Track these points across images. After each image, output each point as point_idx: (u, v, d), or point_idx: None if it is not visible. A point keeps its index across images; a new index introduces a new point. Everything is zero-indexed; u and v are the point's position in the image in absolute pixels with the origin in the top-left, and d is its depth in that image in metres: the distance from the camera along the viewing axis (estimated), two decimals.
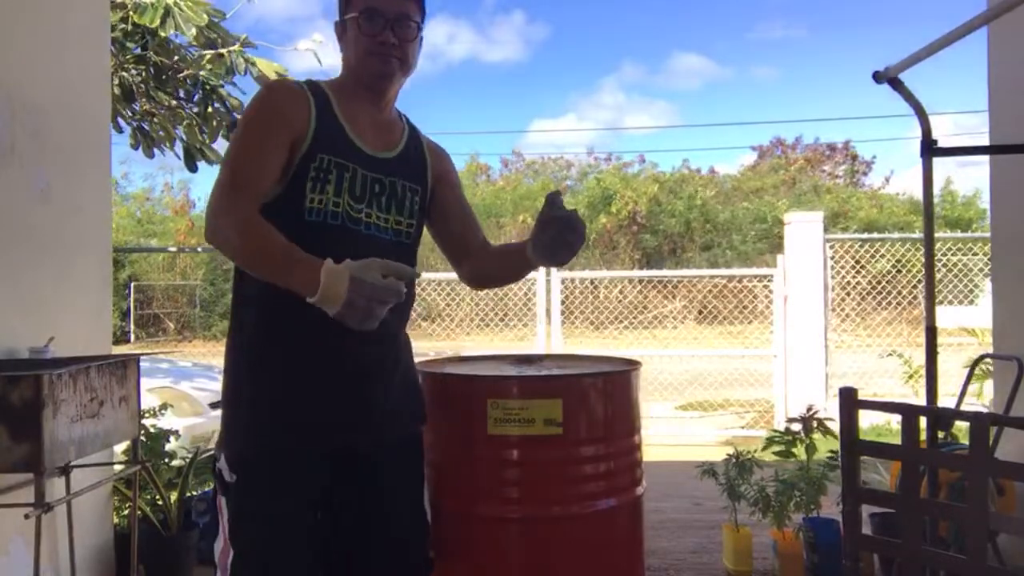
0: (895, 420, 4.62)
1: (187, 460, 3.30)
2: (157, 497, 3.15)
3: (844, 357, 7.49)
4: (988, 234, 3.90)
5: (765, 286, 7.39)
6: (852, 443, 1.96)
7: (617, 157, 24.08)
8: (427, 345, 8.75)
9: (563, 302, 7.23)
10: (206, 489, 3.38)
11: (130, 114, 4.64)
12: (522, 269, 1.81)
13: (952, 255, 7.58)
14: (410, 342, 1.82)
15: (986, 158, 3.44)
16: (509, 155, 25.85)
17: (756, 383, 7.65)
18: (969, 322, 7.04)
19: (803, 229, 6.98)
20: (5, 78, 2.54)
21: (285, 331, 1.60)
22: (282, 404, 1.60)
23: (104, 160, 3.16)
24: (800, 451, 3.30)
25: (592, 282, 9.23)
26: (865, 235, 9.05)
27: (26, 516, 2.15)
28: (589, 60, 43.00)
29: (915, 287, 8.04)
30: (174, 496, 3.16)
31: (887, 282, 8.36)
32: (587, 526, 1.85)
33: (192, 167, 4.86)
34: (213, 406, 4.28)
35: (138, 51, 4.41)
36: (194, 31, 4.09)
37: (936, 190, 2.61)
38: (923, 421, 2.01)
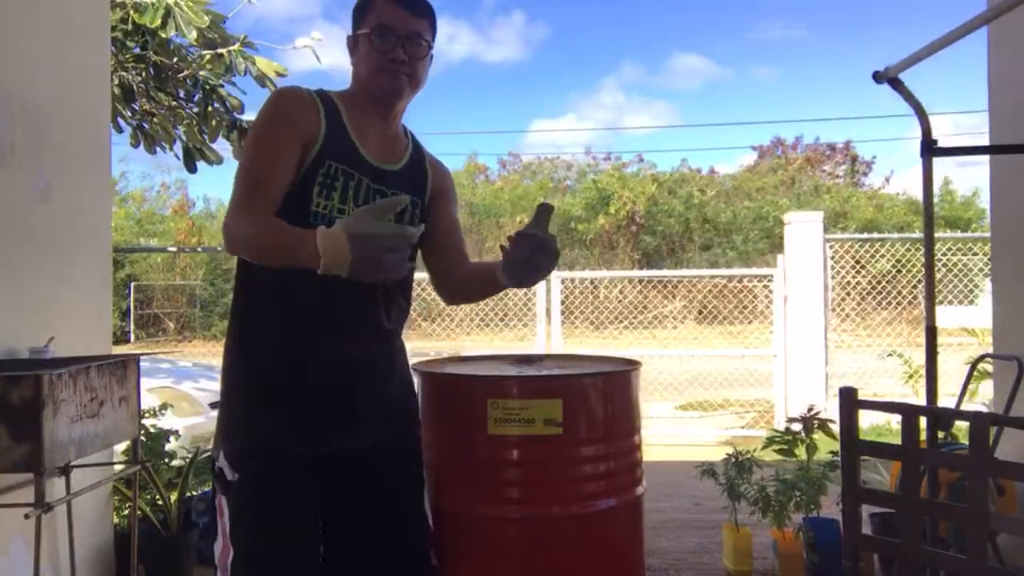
0: (895, 420, 4.62)
1: (187, 460, 3.30)
2: (157, 497, 3.15)
3: (844, 357, 7.49)
4: (988, 234, 3.90)
5: (765, 286, 7.39)
6: (852, 443, 1.96)
7: (616, 157, 24.09)
8: (427, 345, 8.75)
9: (563, 302, 7.23)
10: (206, 489, 3.38)
11: (130, 114, 4.63)
12: (492, 289, 1.80)
13: (952, 255, 7.58)
14: (404, 346, 1.83)
15: (985, 158, 3.44)
16: (507, 156, 25.82)
17: (756, 383, 7.65)
18: (969, 322, 7.05)
19: (803, 229, 6.98)
20: (5, 78, 2.54)
21: (283, 332, 1.62)
22: (280, 404, 1.61)
23: (104, 160, 3.16)
24: (800, 451, 3.30)
25: (592, 282, 9.23)
26: (865, 235, 9.05)
27: (26, 516, 2.15)
28: (589, 60, 43.00)
29: (915, 287, 8.04)
30: (174, 496, 3.16)
31: (887, 282, 8.37)
32: (587, 526, 1.85)
33: (191, 167, 4.84)
34: (213, 406, 4.28)
35: (138, 51, 4.41)
36: (195, 33, 4.09)
37: (935, 190, 2.61)
38: (923, 421, 2.01)
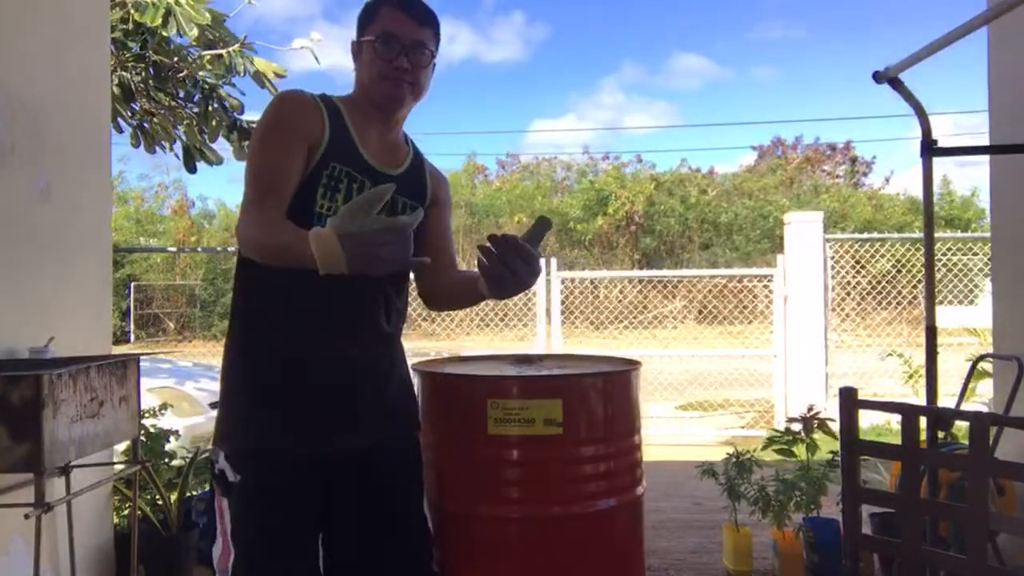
0: (895, 420, 4.62)
1: (187, 460, 3.30)
2: (157, 497, 3.15)
3: (844, 357, 7.50)
4: (988, 234, 3.90)
5: (765, 286, 7.39)
6: (852, 443, 1.96)
7: (615, 157, 24.07)
8: (427, 345, 8.76)
9: (563, 302, 7.23)
10: (206, 489, 3.38)
11: (130, 114, 4.63)
12: (474, 299, 1.81)
13: (952, 255, 7.58)
14: (403, 348, 1.83)
15: (985, 158, 3.44)
16: (505, 156, 25.77)
17: (756, 383, 7.65)
18: (969, 322, 7.05)
19: (803, 229, 6.98)
20: (5, 78, 2.54)
21: (283, 332, 1.62)
22: (280, 404, 1.61)
23: (104, 160, 3.16)
24: (800, 451, 3.30)
25: (592, 282, 9.24)
26: (865, 235, 9.05)
27: (26, 516, 2.15)
28: (589, 60, 42.93)
29: (915, 287, 8.05)
30: (174, 496, 3.16)
31: (887, 282, 8.37)
32: (587, 526, 1.85)
33: (191, 168, 4.84)
34: (213, 406, 4.28)
35: (138, 50, 4.41)
36: (196, 31, 4.08)
37: (935, 190, 2.61)
38: (923, 421, 2.01)
